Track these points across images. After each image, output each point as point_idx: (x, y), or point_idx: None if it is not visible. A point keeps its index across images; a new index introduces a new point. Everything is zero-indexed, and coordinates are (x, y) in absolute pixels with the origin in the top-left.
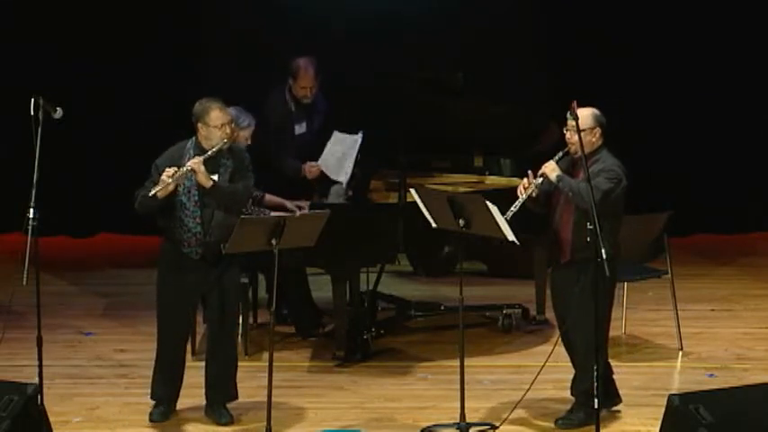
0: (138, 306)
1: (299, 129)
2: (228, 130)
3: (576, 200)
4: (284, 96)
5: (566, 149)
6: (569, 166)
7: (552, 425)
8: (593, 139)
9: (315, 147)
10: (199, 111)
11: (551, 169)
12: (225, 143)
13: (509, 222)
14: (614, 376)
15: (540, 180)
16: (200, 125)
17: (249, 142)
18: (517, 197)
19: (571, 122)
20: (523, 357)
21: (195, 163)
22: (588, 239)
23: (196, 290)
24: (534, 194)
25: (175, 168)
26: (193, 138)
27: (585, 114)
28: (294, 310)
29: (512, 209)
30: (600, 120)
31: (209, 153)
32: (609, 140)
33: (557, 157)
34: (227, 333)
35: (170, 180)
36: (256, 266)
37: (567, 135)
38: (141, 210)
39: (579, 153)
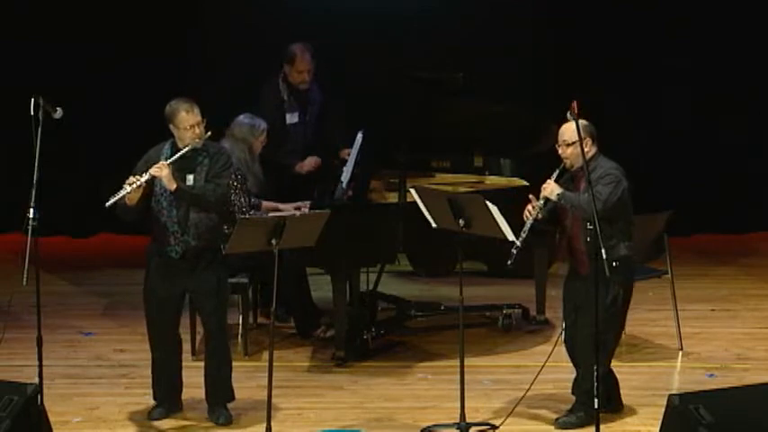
0: (138, 306)
1: (291, 118)
2: (198, 131)
3: (579, 213)
4: (277, 86)
5: (561, 166)
6: (569, 180)
7: (552, 426)
8: (585, 149)
9: (308, 137)
10: (168, 113)
11: (550, 190)
12: (196, 143)
13: (505, 263)
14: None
15: (543, 202)
16: (171, 127)
17: (264, 143)
18: (524, 221)
19: (560, 139)
20: (523, 357)
21: (157, 168)
22: (588, 239)
23: (179, 291)
24: (540, 216)
25: (137, 176)
26: (171, 139)
27: (572, 128)
28: (294, 310)
29: (522, 234)
30: (588, 129)
31: (176, 156)
32: (611, 140)
33: (554, 176)
34: (216, 334)
35: (129, 188)
36: (252, 267)
37: (560, 151)
38: (120, 216)
39: (575, 166)
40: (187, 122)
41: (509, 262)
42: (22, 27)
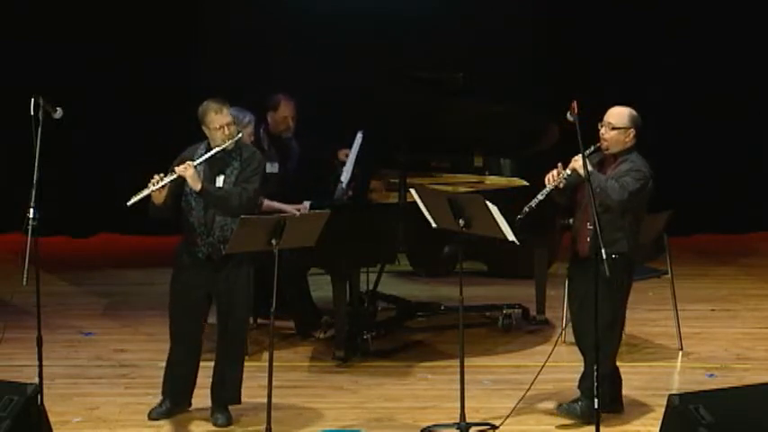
0: (138, 306)
1: (271, 168)
2: (228, 131)
3: (602, 196)
4: (259, 135)
5: (597, 144)
6: (598, 162)
7: (552, 426)
8: (626, 140)
9: (285, 186)
10: (199, 114)
11: (581, 164)
12: (227, 144)
13: (512, 221)
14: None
15: (569, 173)
16: (203, 128)
17: (252, 139)
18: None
19: (605, 119)
20: (523, 357)
21: (182, 168)
22: (588, 239)
23: (204, 290)
24: (561, 185)
25: (162, 174)
26: (206, 140)
27: (622, 113)
28: (294, 310)
29: (538, 197)
30: (636, 121)
31: (204, 157)
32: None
33: (588, 152)
34: (233, 335)
35: (152, 188)
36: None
37: (601, 131)
38: (152, 215)
39: (610, 150)
40: (217, 123)
41: (518, 217)
42: (22, 27)
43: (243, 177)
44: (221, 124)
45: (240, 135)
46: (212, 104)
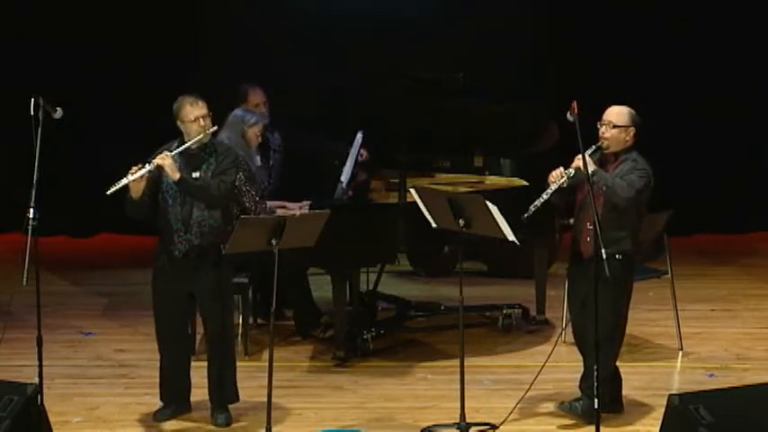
0: (138, 306)
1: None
2: (204, 123)
3: (609, 194)
4: (264, 134)
5: (598, 144)
6: (598, 160)
7: (552, 426)
8: (627, 138)
9: (269, 181)
10: (174, 109)
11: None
12: (204, 136)
13: (515, 221)
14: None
15: (573, 172)
16: (178, 123)
17: (260, 140)
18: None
19: (606, 118)
20: (523, 357)
21: (160, 158)
22: (588, 239)
23: (185, 291)
24: (565, 185)
25: (140, 165)
26: (180, 137)
27: (622, 112)
28: (294, 310)
29: (543, 196)
30: (635, 120)
31: (182, 148)
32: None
33: (589, 151)
34: (219, 334)
35: (131, 177)
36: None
37: (602, 130)
38: (129, 213)
39: (611, 148)
40: (192, 114)
41: (524, 216)
42: (22, 27)
43: (219, 170)
44: (196, 116)
45: (215, 128)
46: (187, 98)
